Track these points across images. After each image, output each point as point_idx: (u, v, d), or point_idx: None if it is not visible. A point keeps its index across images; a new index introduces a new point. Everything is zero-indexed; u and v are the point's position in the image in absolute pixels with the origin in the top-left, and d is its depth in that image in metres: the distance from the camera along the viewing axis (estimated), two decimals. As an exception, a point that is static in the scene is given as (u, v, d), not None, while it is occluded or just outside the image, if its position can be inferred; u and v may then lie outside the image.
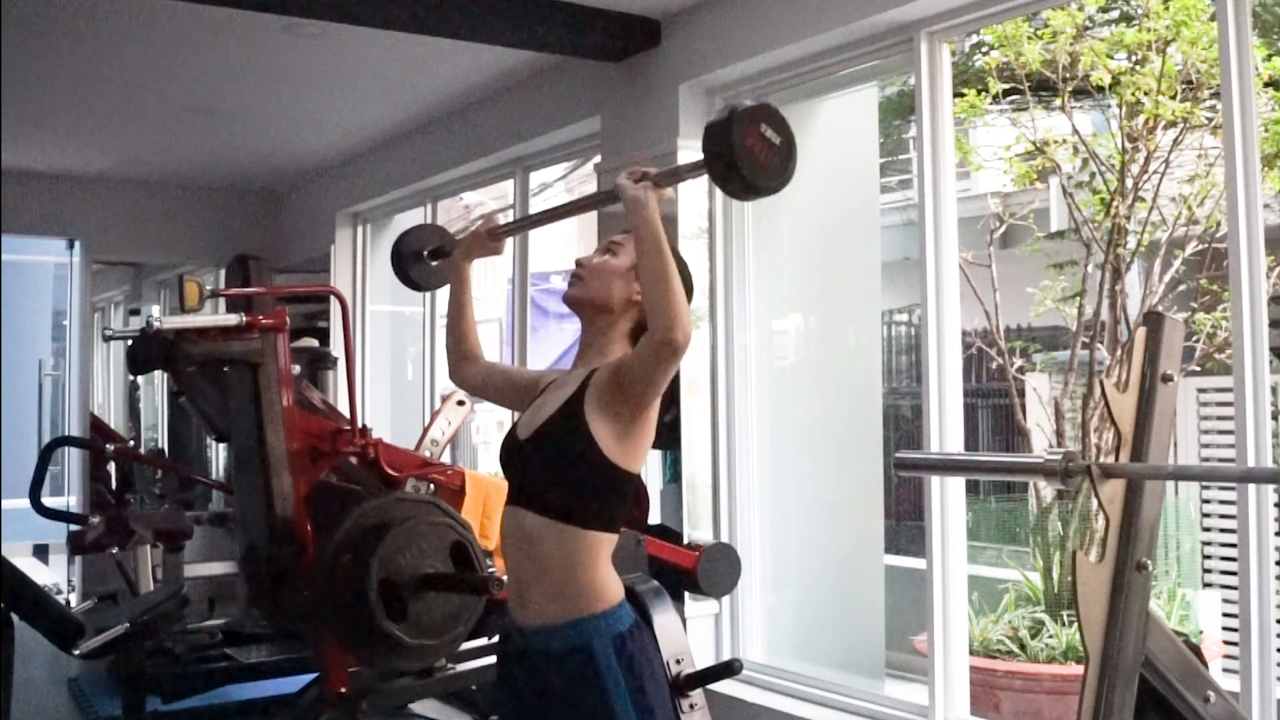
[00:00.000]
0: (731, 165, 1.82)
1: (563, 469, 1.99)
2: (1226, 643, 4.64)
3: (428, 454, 4.38)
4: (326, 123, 6.15)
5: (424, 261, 2.60)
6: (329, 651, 3.52)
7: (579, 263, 2.15)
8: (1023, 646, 4.50)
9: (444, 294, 6.49)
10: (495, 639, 3.74)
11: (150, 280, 9.68)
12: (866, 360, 4.90)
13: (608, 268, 2.10)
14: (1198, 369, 4.92)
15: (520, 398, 2.23)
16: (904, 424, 7.46)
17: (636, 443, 2.00)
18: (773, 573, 4.46)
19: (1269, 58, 4.45)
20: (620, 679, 1.95)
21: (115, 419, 9.60)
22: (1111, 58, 4.60)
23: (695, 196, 4.35)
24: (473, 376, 2.34)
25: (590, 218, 4.83)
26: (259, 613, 4.61)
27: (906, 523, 6.58)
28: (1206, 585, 5.24)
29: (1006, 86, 4.89)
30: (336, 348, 6.01)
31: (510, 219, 6.35)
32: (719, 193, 4.37)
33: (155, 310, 8.35)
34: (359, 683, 3.56)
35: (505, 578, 3.14)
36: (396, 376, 7.26)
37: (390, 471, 3.81)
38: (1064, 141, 4.94)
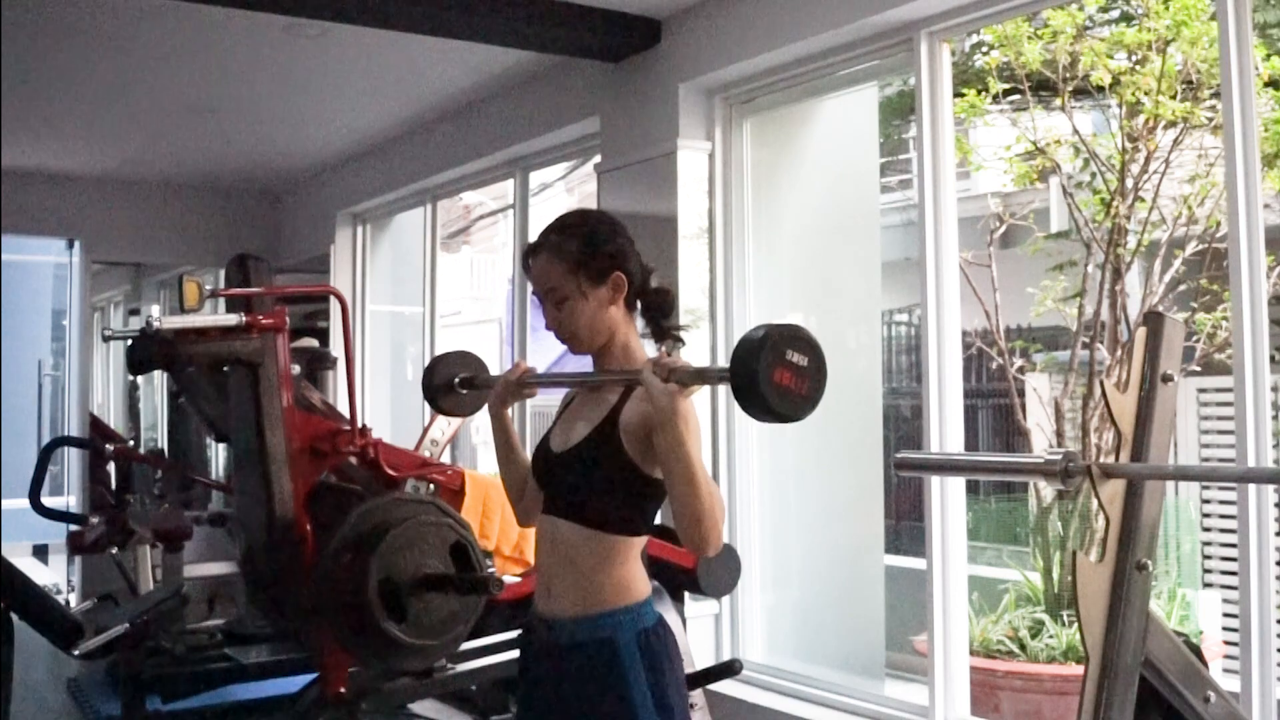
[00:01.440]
0: (765, 406, 1.76)
1: (599, 483, 2.01)
2: (1226, 643, 4.64)
3: (428, 454, 4.38)
4: (326, 123, 6.15)
5: (455, 391, 2.56)
6: (329, 651, 3.52)
7: (555, 329, 2.10)
8: (1023, 646, 4.50)
9: (444, 296, 6.43)
10: (506, 636, 3.76)
11: (150, 280, 9.68)
12: (866, 360, 4.90)
13: (576, 315, 2.06)
14: (1198, 369, 4.92)
15: None
16: (904, 424, 7.46)
17: None
18: (773, 573, 4.46)
19: (1269, 58, 4.45)
20: (641, 673, 1.97)
21: (115, 419, 9.61)
22: (1111, 58, 4.60)
23: (695, 196, 4.35)
24: (534, 507, 2.22)
25: (590, 202, 4.85)
26: (259, 613, 4.61)
27: (906, 523, 6.58)
28: (1206, 585, 5.24)
29: (1006, 86, 4.89)
30: (336, 348, 6.00)
31: (512, 217, 6.31)
32: (719, 192, 4.38)
33: (155, 310, 8.35)
34: (359, 683, 3.56)
35: (506, 578, 3.15)
36: (396, 376, 7.26)
37: (390, 471, 3.80)
38: (1063, 142, 4.93)
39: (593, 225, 2.10)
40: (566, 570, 2.02)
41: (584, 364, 2.19)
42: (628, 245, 2.10)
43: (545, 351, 8.67)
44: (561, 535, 2.04)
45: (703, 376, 1.96)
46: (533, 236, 2.16)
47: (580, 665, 2.00)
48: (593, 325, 2.07)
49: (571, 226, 2.10)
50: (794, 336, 1.78)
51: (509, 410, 2.26)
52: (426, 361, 6.41)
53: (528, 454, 2.27)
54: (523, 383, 2.25)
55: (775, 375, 1.75)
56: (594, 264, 2.05)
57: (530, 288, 2.15)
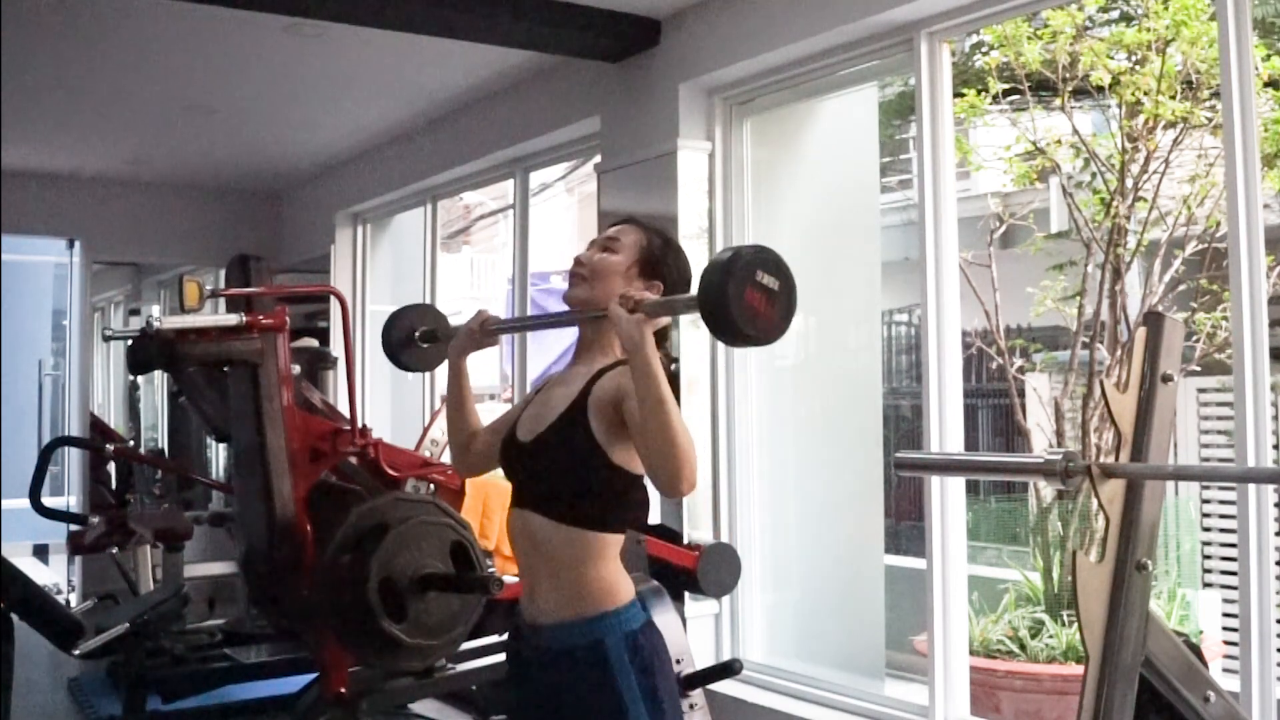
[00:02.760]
0: (730, 325, 1.74)
1: (568, 473, 1.99)
2: (1226, 643, 4.64)
3: (428, 454, 4.38)
4: (326, 123, 6.15)
5: (415, 345, 2.55)
6: (329, 651, 3.52)
7: (579, 261, 2.12)
8: (1023, 646, 4.50)
9: (444, 295, 6.40)
10: (505, 636, 3.76)
11: (150, 280, 9.69)
12: (866, 360, 4.90)
13: (609, 267, 2.08)
14: (1198, 369, 4.92)
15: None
16: (904, 424, 7.46)
17: None
18: (773, 573, 4.46)
19: (1269, 58, 4.45)
20: (632, 676, 1.95)
21: (115, 419, 9.61)
22: (1111, 58, 4.60)
23: (695, 196, 4.35)
24: (477, 462, 2.27)
25: (590, 215, 4.85)
26: (259, 613, 4.61)
27: (906, 523, 6.58)
28: (1206, 585, 5.24)
29: (1006, 86, 4.89)
30: (336, 348, 6.01)
31: (512, 217, 6.32)
32: (719, 192, 4.38)
33: (155, 310, 8.36)
34: (359, 683, 3.56)
35: (506, 578, 3.15)
36: (396, 376, 7.25)
37: (390, 471, 3.80)
38: (1063, 142, 4.93)
39: (677, 247, 2.17)
40: (547, 571, 2.00)
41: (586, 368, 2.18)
42: (683, 284, 2.14)
43: (545, 352, 8.67)
44: (534, 531, 2.01)
45: (670, 306, 1.96)
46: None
47: (570, 671, 1.98)
48: (610, 292, 2.03)
49: (667, 236, 2.20)
50: (764, 259, 1.78)
51: (466, 361, 2.28)
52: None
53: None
54: (486, 330, 2.26)
55: (746, 296, 1.74)
56: (655, 264, 2.11)
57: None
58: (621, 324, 1.87)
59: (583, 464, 1.97)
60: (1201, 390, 5.63)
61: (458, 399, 2.27)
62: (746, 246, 1.78)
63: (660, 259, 2.12)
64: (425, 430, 4.72)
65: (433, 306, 2.62)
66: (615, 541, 2.02)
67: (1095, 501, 2.43)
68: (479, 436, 2.25)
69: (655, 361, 1.84)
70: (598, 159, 4.88)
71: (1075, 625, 4.21)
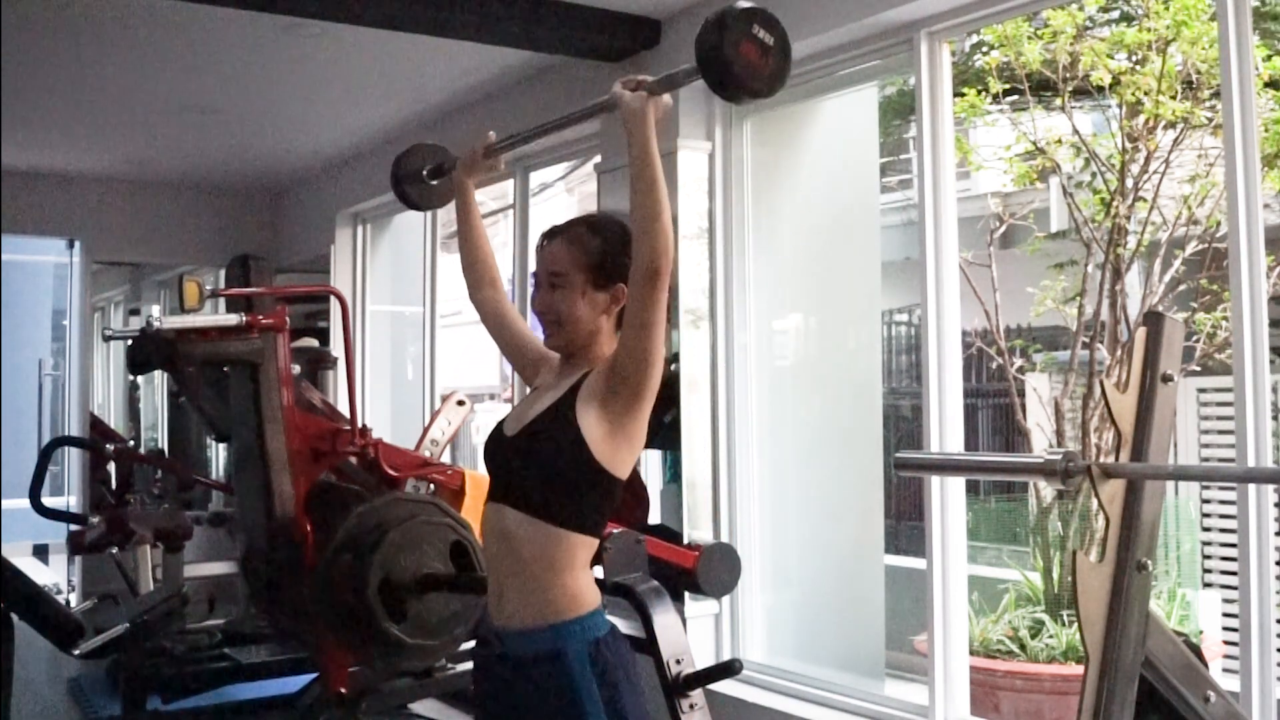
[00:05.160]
0: (726, 71, 1.80)
1: (548, 466, 1.98)
2: (1226, 643, 4.64)
3: (428, 454, 4.38)
4: (326, 123, 6.15)
5: (423, 181, 2.56)
6: (329, 651, 3.53)
7: (541, 310, 2.09)
8: (1023, 646, 4.50)
9: (444, 296, 6.41)
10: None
11: (150, 280, 9.69)
12: (866, 360, 4.90)
13: (572, 308, 2.06)
14: (1198, 369, 4.92)
15: (520, 362, 2.25)
16: (904, 424, 7.46)
17: (625, 445, 1.99)
18: (773, 573, 4.46)
19: (1269, 58, 4.45)
20: (593, 686, 1.93)
21: (115, 419, 9.61)
22: (1111, 58, 4.60)
23: (695, 196, 4.35)
24: (491, 305, 2.31)
25: (590, 202, 4.84)
26: (259, 613, 4.62)
27: (906, 523, 6.59)
28: (1206, 585, 5.24)
29: (1006, 86, 4.89)
30: (336, 348, 6.01)
31: (512, 217, 6.32)
32: (719, 192, 4.37)
33: (155, 310, 8.35)
34: (359, 683, 3.56)
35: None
36: (396, 376, 7.26)
37: (390, 471, 3.81)
38: (1063, 142, 4.94)
39: (619, 233, 2.10)
40: (514, 570, 1.98)
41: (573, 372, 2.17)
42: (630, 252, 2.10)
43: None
44: (507, 526, 1.99)
45: (670, 81, 2.01)
46: (533, 236, 2.19)
47: (532, 680, 1.96)
48: (579, 322, 2.06)
49: (599, 226, 2.13)
50: (756, 11, 1.84)
51: (473, 185, 2.35)
52: (428, 362, 6.44)
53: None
54: (490, 151, 2.30)
55: (742, 48, 1.81)
56: (604, 268, 2.07)
57: (530, 278, 2.15)
58: (624, 100, 1.98)
59: (564, 458, 1.96)
60: (1201, 390, 5.63)
61: (465, 220, 2.34)
62: (735, 4, 1.83)
63: (605, 259, 2.08)
64: (425, 430, 4.72)
65: (437, 145, 2.63)
66: (586, 546, 1.99)
67: (1095, 501, 2.43)
68: (496, 285, 2.31)
69: (653, 141, 1.95)
70: (598, 159, 4.87)
71: (1075, 625, 4.21)
